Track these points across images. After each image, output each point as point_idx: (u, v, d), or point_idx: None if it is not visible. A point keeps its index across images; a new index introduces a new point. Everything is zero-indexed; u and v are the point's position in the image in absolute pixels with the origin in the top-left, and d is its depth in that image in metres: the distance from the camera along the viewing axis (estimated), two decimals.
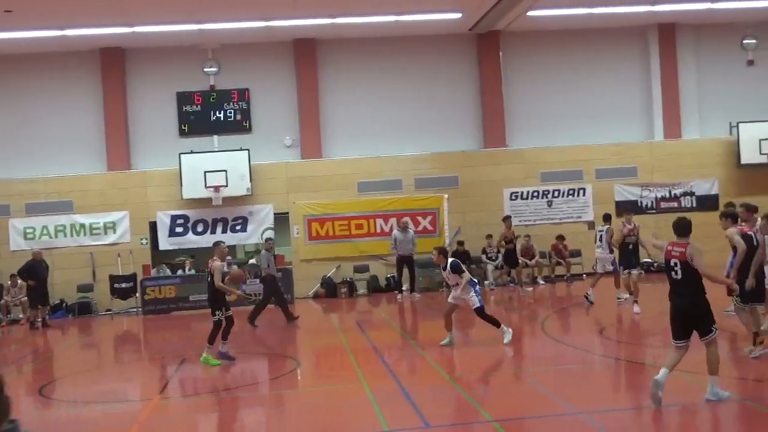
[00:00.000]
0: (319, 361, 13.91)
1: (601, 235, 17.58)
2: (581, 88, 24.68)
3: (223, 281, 12.75)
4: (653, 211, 24.01)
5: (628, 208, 17.00)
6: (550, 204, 24.05)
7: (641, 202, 24.20)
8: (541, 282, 22.54)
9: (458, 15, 22.23)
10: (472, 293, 13.01)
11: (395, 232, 21.69)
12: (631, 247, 16.23)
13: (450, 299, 13.44)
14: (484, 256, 22.97)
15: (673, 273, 8.75)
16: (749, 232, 11.27)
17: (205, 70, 23.78)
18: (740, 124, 24.07)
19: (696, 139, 24.71)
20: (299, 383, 12.04)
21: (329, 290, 22.78)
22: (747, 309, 11.24)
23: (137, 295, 21.78)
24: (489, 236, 22.98)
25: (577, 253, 23.54)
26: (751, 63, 25.17)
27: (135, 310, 22.03)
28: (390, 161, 23.77)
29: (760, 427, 8.25)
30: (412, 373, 11.94)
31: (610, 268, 17.43)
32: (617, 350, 12.83)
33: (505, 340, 12.91)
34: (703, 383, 8.78)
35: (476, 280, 13.52)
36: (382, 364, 12.04)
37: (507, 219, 21.84)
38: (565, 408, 9.21)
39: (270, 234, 22.14)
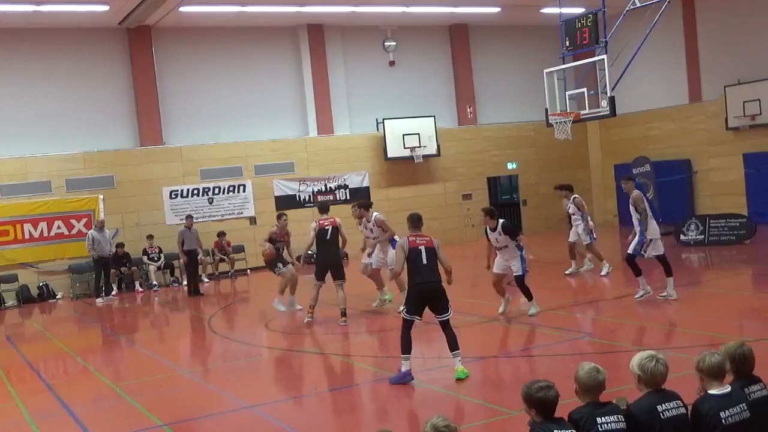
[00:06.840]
0: None
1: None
2: (238, 86, 24.83)
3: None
4: (310, 205, 24.90)
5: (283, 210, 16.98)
6: (211, 201, 23.96)
7: (299, 196, 25.00)
8: (206, 279, 22.36)
9: (105, 8, 21.20)
10: (518, 260, 12.31)
11: (92, 231, 20.62)
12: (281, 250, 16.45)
13: (495, 269, 12.60)
14: (145, 257, 22.30)
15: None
16: (326, 227, 13.56)
17: None
18: (386, 121, 25.78)
19: (347, 135, 26.04)
20: None
21: None
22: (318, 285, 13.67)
23: None
24: (150, 236, 22.36)
25: (240, 249, 23.72)
26: (392, 64, 27.08)
27: None
28: (37, 162, 22.07)
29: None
30: (73, 384, 11.23)
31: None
32: (282, 342, 13.14)
33: (531, 312, 12.46)
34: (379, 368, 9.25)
35: (522, 245, 12.54)
36: (38, 379, 11.18)
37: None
38: (236, 403, 9.24)
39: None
